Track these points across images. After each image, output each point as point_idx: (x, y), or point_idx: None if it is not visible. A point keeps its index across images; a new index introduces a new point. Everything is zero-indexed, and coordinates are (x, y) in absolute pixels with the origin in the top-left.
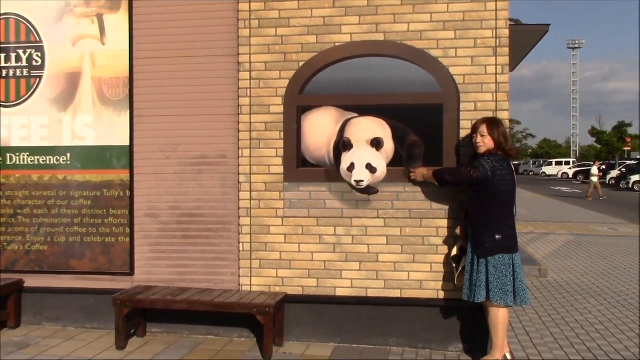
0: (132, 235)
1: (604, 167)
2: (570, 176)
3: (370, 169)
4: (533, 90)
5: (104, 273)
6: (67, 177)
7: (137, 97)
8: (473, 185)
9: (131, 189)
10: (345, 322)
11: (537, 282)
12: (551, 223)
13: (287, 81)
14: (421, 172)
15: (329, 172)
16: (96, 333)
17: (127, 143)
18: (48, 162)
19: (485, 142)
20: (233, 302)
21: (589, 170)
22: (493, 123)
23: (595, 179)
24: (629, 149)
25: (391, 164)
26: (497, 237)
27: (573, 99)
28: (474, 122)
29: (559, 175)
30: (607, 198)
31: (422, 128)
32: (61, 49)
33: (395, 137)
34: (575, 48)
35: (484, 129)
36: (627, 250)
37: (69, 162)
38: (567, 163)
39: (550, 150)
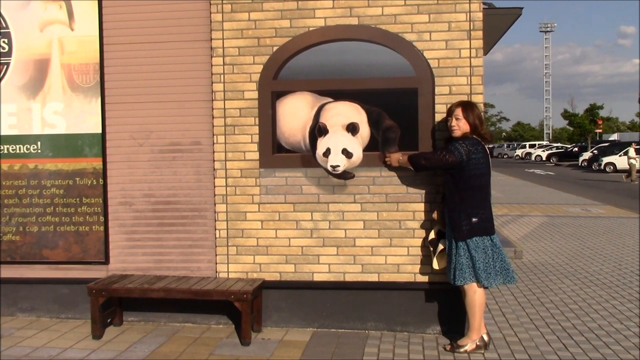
0: (106, 224)
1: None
2: (544, 158)
3: (346, 154)
4: (506, 73)
5: (78, 262)
6: (38, 166)
7: (108, 84)
8: (448, 169)
9: (104, 177)
10: (323, 307)
11: (513, 263)
12: (525, 205)
13: (261, 66)
14: (396, 157)
15: (304, 157)
16: (71, 323)
17: (99, 130)
18: (18, 151)
19: (460, 126)
20: (210, 290)
21: (579, 153)
22: (468, 106)
23: (634, 161)
24: (600, 131)
25: (367, 148)
26: (474, 220)
27: (545, 82)
28: (448, 106)
29: (533, 158)
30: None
31: (397, 112)
32: (28, 35)
33: (371, 122)
34: (548, 31)
35: (459, 112)
36: (598, 231)
37: (39, 151)
38: (541, 146)
39: (523, 133)
